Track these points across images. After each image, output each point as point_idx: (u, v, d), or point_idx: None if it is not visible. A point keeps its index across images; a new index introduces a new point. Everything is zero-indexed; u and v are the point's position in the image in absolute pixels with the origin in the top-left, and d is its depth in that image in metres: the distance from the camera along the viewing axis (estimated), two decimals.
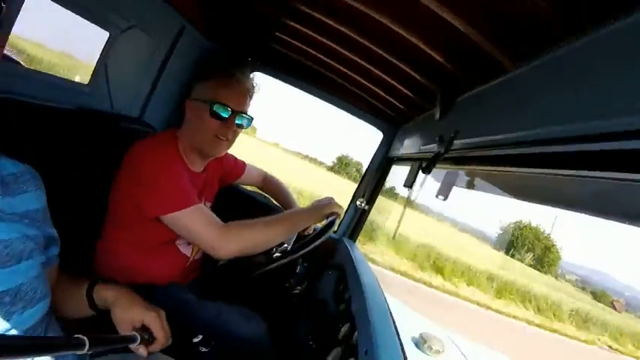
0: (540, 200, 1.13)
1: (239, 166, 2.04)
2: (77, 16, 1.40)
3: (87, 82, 1.65)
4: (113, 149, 1.51)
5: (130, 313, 0.99)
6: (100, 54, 1.63)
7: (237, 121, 1.54)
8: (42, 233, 0.90)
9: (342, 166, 42.85)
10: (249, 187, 2.34)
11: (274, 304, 1.83)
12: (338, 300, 1.83)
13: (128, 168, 1.44)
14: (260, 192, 2.25)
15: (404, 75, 1.58)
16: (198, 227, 1.39)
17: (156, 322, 1.00)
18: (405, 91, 1.72)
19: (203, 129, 1.51)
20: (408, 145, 1.85)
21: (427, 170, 1.30)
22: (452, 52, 1.25)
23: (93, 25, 1.51)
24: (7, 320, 0.74)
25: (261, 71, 2.15)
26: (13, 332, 0.76)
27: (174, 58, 1.92)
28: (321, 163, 45.11)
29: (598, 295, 34.69)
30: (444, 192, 1.38)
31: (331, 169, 42.70)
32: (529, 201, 1.20)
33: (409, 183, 1.46)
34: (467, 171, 1.39)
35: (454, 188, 1.41)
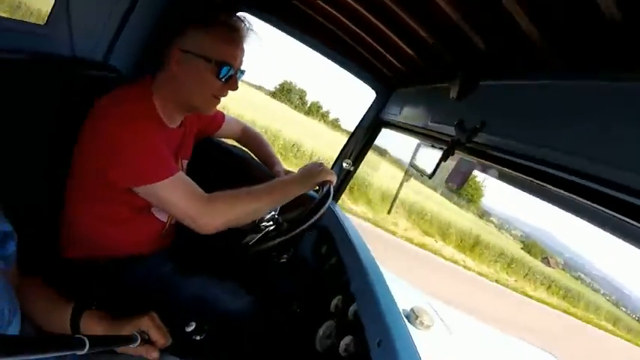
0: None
1: (218, 117, 1.85)
2: None
3: (44, 23, 1.36)
4: (75, 101, 1.31)
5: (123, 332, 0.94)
6: None
7: (238, 79, 1.40)
8: None
9: (283, 92, 42.17)
10: (227, 141, 2.16)
11: (261, 277, 1.76)
12: (320, 262, 1.79)
13: (93, 130, 1.25)
14: (237, 145, 2.09)
15: (413, 35, 1.42)
16: (178, 200, 1.25)
17: (150, 324, 0.97)
18: (409, 52, 1.56)
19: (202, 88, 1.34)
20: (409, 115, 1.73)
21: (444, 157, 1.21)
22: (484, 27, 1.10)
23: None
24: None
25: (248, 12, 1.88)
26: None
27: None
28: (260, 87, 43.92)
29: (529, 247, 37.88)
30: (457, 180, 1.30)
31: (272, 94, 41.74)
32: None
33: (429, 174, 1.33)
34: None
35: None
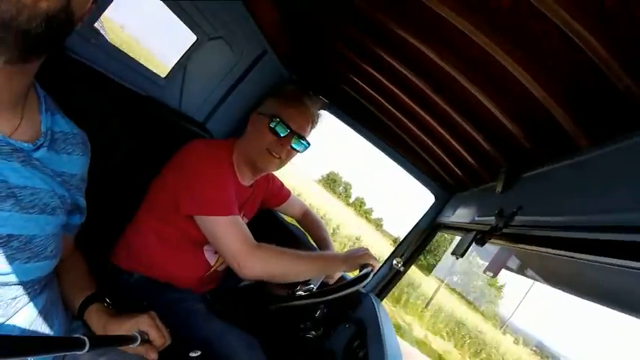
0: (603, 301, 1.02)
1: (284, 193, 2.01)
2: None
3: (164, 76, 1.71)
4: (168, 143, 1.54)
5: (121, 332, 0.97)
6: (183, 54, 1.70)
7: (293, 143, 1.53)
8: (70, 197, 0.90)
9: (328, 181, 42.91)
10: (288, 218, 2.30)
11: (282, 342, 1.72)
12: (349, 356, 1.70)
13: (178, 160, 1.45)
14: (298, 226, 2.20)
15: (470, 141, 1.52)
16: (229, 238, 1.35)
17: (150, 323, 0.99)
18: (467, 157, 1.65)
19: (258, 141, 1.51)
20: (461, 215, 1.76)
21: (481, 242, 1.21)
22: (526, 123, 1.19)
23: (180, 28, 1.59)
24: (7, 264, 0.73)
25: (327, 109, 2.16)
26: (7, 279, 0.74)
27: (250, 78, 1.97)
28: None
29: None
30: (494, 269, 1.27)
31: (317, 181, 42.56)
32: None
33: (460, 251, 1.36)
34: (520, 254, 1.28)
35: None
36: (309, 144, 1.59)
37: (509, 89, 1.11)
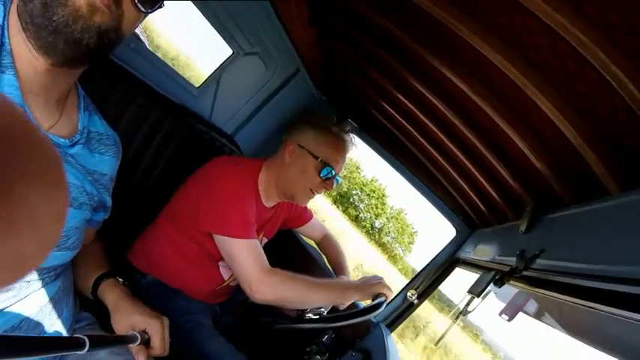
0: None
1: (306, 215, 2.00)
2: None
3: (197, 86, 1.75)
4: (196, 152, 1.57)
5: (128, 322, 0.97)
6: (218, 67, 1.75)
7: (334, 182, 1.58)
8: (98, 195, 0.93)
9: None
10: (307, 239, 2.28)
11: None
12: None
13: (203, 175, 1.47)
14: (316, 248, 2.18)
15: (496, 176, 1.49)
16: (245, 261, 1.35)
17: (158, 330, 0.98)
18: (492, 193, 1.61)
19: (303, 181, 1.54)
20: (481, 252, 1.70)
21: (499, 282, 1.17)
22: (555, 163, 1.16)
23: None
24: None
25: (355, 133, 2.16)
26: None
27: (281, 95, 2.00)
28: None
29: None
30: (510, 312, 1.22)
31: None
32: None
33: (477, 291, 1.31)
34: (539, 298, 1.23)
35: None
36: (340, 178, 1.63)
37: (540, 128, 1.08)
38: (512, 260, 1.23)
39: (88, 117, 0.91)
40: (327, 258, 2.09)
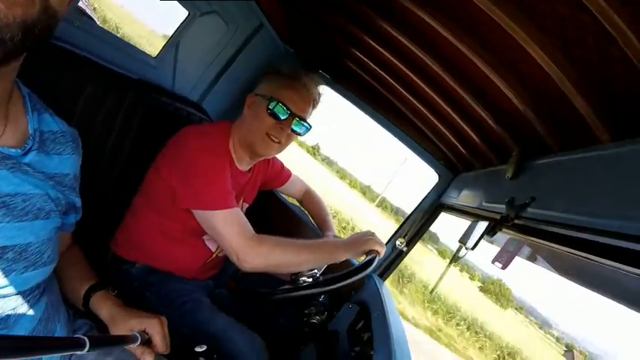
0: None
1: (284, 174, 1.95)
2: None
3: (154, 55, 1.62)
4: (162, 126, 1.48)
5: (126, 327, 0.95)
6: (174, 32, 1.61)
7: (293, 126, 1.45)
8: (65, 198, 0.87)
9: None
10: (289, 199, 2.26)
11: (286, 328, 1.71)
12: (353, 337, 1.70)
13: (172, 150, 1.39)
14: (299, 206, 2.16)
15: (478, 121, 1.46)
16: (228, 232, 1.30)
17: (158, 328, 0.97)
18: (474, 138, 1.58)
19: (257, 125, 1.43)
20: (466, 197, 1.71)
21: (491, 233, 1.17)
22: (543, 108, 1.12)
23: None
24: (4, 277, 0.70)
25: (328, 85, 2.07)
26: (5, 291, 0.72)
27: (245, 53, 1.87)
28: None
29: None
30: (503, 260, 1.23)
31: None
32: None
33: (472, 244, 1.31)
34: (530, 242, 1.24)
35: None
36: (310, 126, 1.51)
37: (527, 72, 1.04)
38: (500, 208, 1.23)
39: (38, 117, 0.82)
40: (310, 215, 2.08)
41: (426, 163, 2.16)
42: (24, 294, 0.77)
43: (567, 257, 1.13)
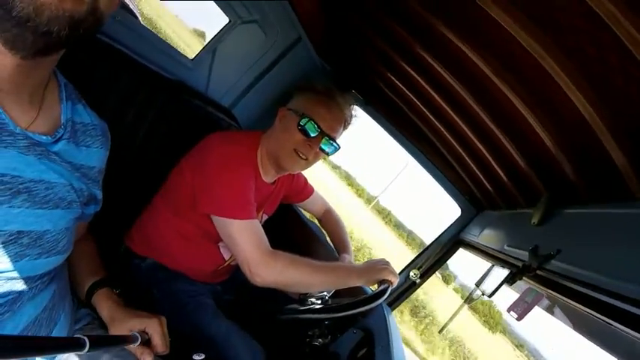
0: None
1: (307, 189, 1.93)
2: None
3: (192, 58, 1.64)
4: (191, 129, 1.49)
5: (126, 326, 0.95)
6: (213, 37, 1.63)
7: (322, 145, 1.43)
8: (87, 190, 0.87)
9: None
10: (308, 215, 2.23)
11: (287, 345, 1.68)
12: None
13: (198, 154, 1.39)
14: (317, 224, 2.13)
15: (508, 159, 1.41)
16: (244, 243, 1.29)
17: (157, 328, 0.96)
18: (502, 176, 1.54)
19: (285, 139, 1.41)
20: (488, 236, 1.65)
21: (511, 281, 1.11)
22: (576, 156, 1.07)
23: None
24: (16, 261, 0.70)
25: (360, 106, 2.05)
26: (15, 275, 0.72)
27: (281, 65, 1.88)
28: None
29: None
30: (519, 311, 1.17)
31: None
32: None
33: (489, 292, 1.25)
34: (549, 295, 1.18)
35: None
36: (339, 146, 1.48)
37: (564, 116, 1.00)
38: (523, 255, 1.17)
39: (72, 107, 0.83)
40: (328, 235, 2.04)
41: (449, 196, 2.11)
42: (33, 279, 0.77)
43: (587, 316, 1.07)
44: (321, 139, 1.41)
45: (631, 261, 0.77)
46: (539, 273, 1.06)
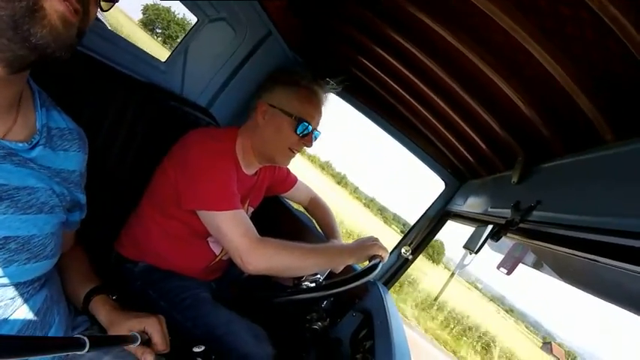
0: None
1: (290, 179, 1.97)
2: None
3: (164, 60, 1.64)
4: (169, 130, 1.49)
5: (125, 328, 0.96)
6: (184, 37, 1.64)
7: (313, 137, 1.54)
8: (70, 194, 0.88)
9: None
10: (296, 205, 2.25)
11: (287, 333, 1.70)
12: (355, 345, 1.68)
13: (179, 152, 1.41)
14: (306, 213, 2.16)
15: (484, 127, 1.45)
16: (233, 233, 1.30)
17: (157, 327, 0.98)
18: (482, 145, 1.58)
19: (280, 139, 1.49)
20: (473, 204, 1.70)
21: (496, 236, 1.15)
22: (547, 111, 1.12)
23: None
24: (5, 267, 0.71)
25: (335, 93, 2.08)
26: (5, 281, 0.73)
27: (254, 60, 1.89)
28: None
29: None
30: (508, 265, 1.21)
31: None
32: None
33: (474, 247, 1.30)
34: (536, 249, 1.23)
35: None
36: (319, 132, 1.58)
37: (530, 74, 1.04)
38: (506, 212, 1.21)
39: (47, 113, 0.84)
40: (316, 221, 2.08)
41: (432, 171, 2.15)
42: (24, 285, 0.78)
43: (572, 264, 1.11)
44: (312, 134, 1.52)
45: (607, 197, 0.81)
46: (523, 226, 1.10)
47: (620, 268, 0.75)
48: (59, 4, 0.60)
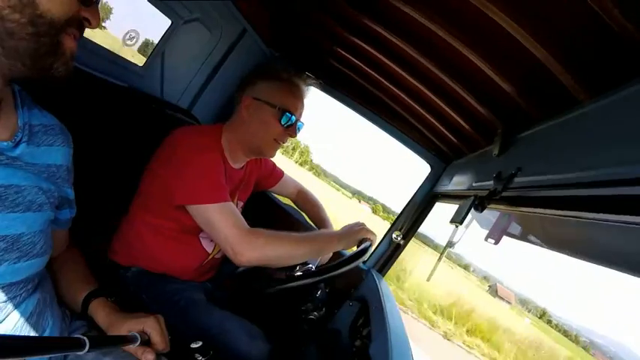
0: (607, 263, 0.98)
1: (277, 173, 1.98)
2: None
3: (142, 64, 1.64)
4: (153, 132, 1.49)
5: (124, 328, 0.97)
6: (159, 41, 1.64)
7: (297, 128, 1.58)
8: (57, 190, 0.88)
9: None
10: (284, 199, 2.26)
11: (285, 326, 1.70)
12: (354, 334, 1.69)
13: (166, 149, 1.41)
14: (295, 207, 2.16)
15: (466, 108, 1.48)
16: (223, 226, 1.30)
17: (156, 327, 0.99)
18: (463, 124, 1.60)
19: (266, 131, 1.52)
20: (458, 182, 1.72)
21: (480, 207, 1.17)
22: (520, 80, 1.14)
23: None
24: None
25: (314, 85, 2.10)
26: (1, 280, 0.73)
27: (231, 59, 1.90)
28: None
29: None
30: (495, 236, 1.23)
31: None
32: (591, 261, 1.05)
33: (459, 218, 1.32)
34: (522, 219, 1.25)
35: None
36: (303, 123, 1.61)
37: (501, 45, 1.05)
38: (489, 184, 1.23)
39: (28, 112, 0.84)
40: (306, 214, 2.09)
41: (417, 155, 2.18)
42: (17, 286, 0.78)
43: (557, 230, 1.13)
44: (296, 125, 1.56)
45: (587, 153, 0.82)
46: (506, 194, 1.12)
47: (603, 221, 0.77)
48: (73, 43, 0.71)
